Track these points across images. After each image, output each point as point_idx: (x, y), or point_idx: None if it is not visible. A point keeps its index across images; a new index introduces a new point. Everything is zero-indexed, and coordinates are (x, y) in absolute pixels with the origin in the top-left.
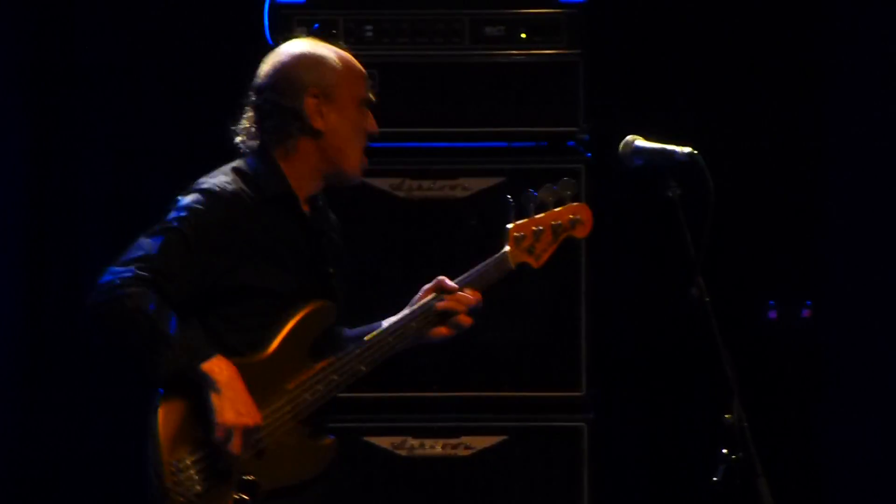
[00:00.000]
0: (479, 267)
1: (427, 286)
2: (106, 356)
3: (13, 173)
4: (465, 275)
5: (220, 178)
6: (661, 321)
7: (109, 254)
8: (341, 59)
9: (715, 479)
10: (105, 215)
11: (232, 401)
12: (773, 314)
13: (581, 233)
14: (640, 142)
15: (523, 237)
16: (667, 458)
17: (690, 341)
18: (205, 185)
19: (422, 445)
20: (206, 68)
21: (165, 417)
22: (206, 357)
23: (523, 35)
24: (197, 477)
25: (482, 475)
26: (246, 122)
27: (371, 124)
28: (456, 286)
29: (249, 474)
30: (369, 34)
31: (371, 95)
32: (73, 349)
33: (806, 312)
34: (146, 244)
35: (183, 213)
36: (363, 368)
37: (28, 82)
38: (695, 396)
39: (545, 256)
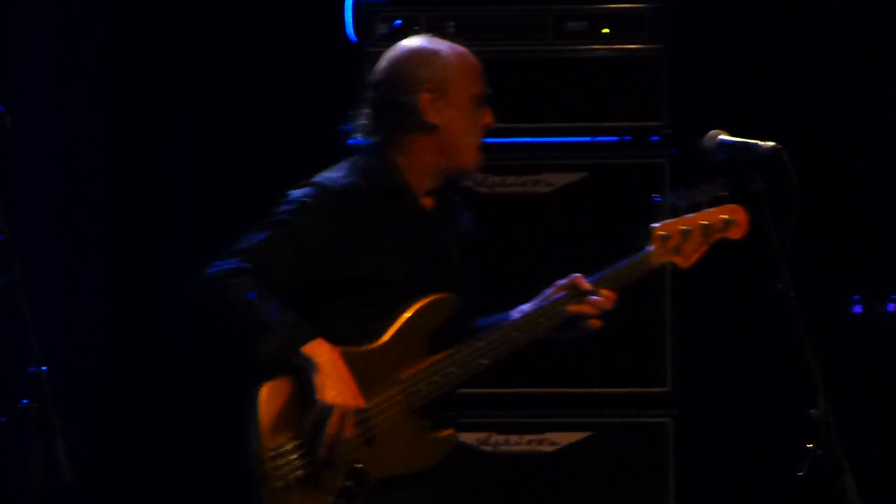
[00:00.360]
0: (616, 265)
1: (561, 282)
2: (195, 355)
3: (102, 173)
4: (602, 273)
5: (333, 173)
6: (746, 316)
7: (196, 252)
8: (457, 54)
9: (800, 474)
10: (192, 215)
11: (333, 380)
12: (858, 308)
13: (736, 234)
14: (724, 136)
15: (669, 237)
16: (752, 453)
17: (775, 336)
18: (316, 179)
19: (507, 441)
20: (290, 68)
21: (267, 402)
22: (307, 340)
23: (606, 30)
24: (298, 462)
25: (567, 471)
26: (363, 118)
27: (488, 119)
28: (590, 287)
29: (359, 462)
30: (451, 30)
31: (488, 90)
32: (161, 345)
33: (892, 307)
34: (253, 237)
35: (292, 207)
36: (485, 362)
37: (114, 81)
38: (780, 391)
39: (695, 256)
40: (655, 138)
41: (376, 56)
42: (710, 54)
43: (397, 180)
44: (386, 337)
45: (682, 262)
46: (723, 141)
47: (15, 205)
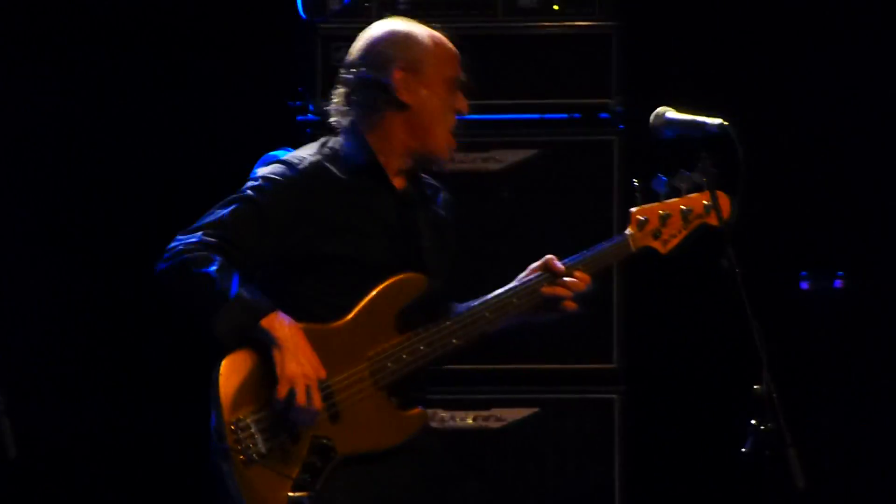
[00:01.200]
0: (594, 248)
1: (535, 264)
2: (143, 328)
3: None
4: (578, 256)
5: (302, 151)
6: (693, 292)
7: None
8: (432, 37)
9: (744, 449)
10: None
11: (293, 353)
12: (804, 285)
13: (715, 220)
14: (672, 113)
15: (647, 221)
16: (697, 429)
17: (721, 312)
18: (284, 157)
19: (453, 418)
20: (240, 44)
21: (227, 377)
22: (265, 313)
23: (556, 7)
24: (259, 437)
25: (513, 447)
26: (337, 98)
27: (461, 104)
28: (564, 269)
29: (323, 438)
30: (402, 7)
31: (462, 76)
32: (108, 320)
33: (839, 283)
34: (217, 212)
35: (257, 182)
36: (455, 341)
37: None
38: (725, 367)
39: (673, 242)
40: (605, 115)
41: (327, 33)
42: (661, 31)
43: (368, 159)
44: (351, 314)
45: (661, 247)
46: (670, 118)
47: None
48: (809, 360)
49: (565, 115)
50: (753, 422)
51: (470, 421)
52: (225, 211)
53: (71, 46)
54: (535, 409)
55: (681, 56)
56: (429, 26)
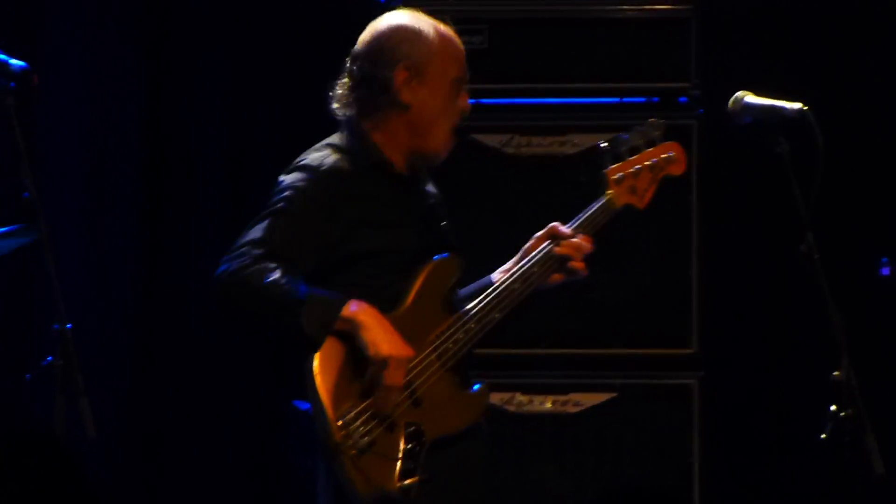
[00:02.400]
0: (586, 211)
1: (539, 234)
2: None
3: (132, 132)
4: (575, 220)
5: (317, 154)
6: (772, 278)
7: (223, 212)
8: (440, 35)
9: (823, 436)
10: (221, 177)
11: (383, 333)
12: (885, 271)
13: (677, 170)
14: (750, 98)
15: (623, 178)
16: (776, 415)
17: (800, 298)
18: (304, 162)
19: (531, 402)
20: (318, 28)
21: (322, 374)
22: (343, 303)
23: None
24: (363, 428)
25: (591, 433)
26: (340, 88)
27: (464, 104)
28: (570, 232)
29: (413, 424)
30: None
31: (467, 75)
32: (185, 305)
33: (886, 270)
34: (256, 229)
35: (287, 193)
36: (497, 315)
37: (143, 38)
38: (804, 354)
39: (647, 196)
40: (684, 99)
41: None
42: (740, 15)
43: (375, 156)
44: (409, 301)
45: (638, 201)
46: (749, 103)
47: (44, 163)
48: (889, 347)
49: (643, 99)
50: (832, 408)
51: (548, 405)
52: (262, 226)
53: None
54: (614, 395)
55: (760, 40)
56: (439, 21)
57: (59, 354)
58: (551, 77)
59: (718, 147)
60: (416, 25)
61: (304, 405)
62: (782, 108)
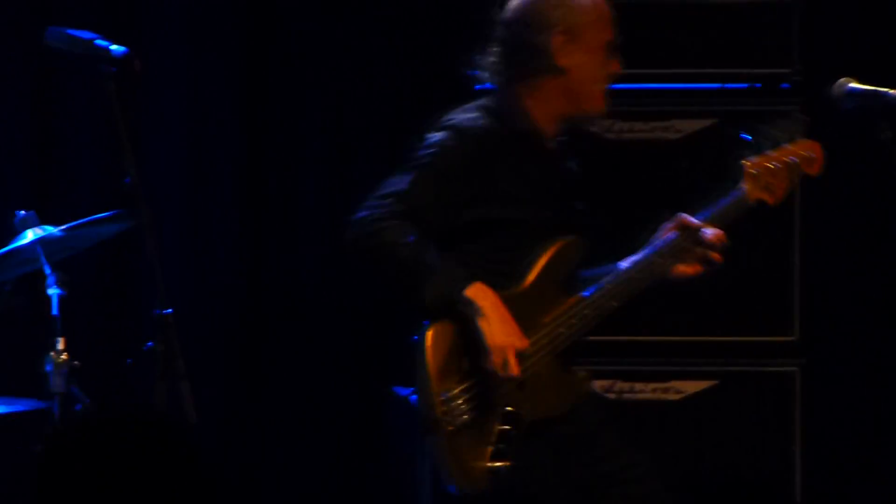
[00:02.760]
0: (717, 204)
1: (668, 224)
2: (322, 301)
3: (233, 117)
4: (705, 213)
5: (467, 115)
6: (875, 265)
7: (326, 196)
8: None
9: None
10: (323, 157)
11: (499, 323)
12: None
13: (813, 170)
14: (853, 84)
15: (759, 174)
16: (879, 403)
17: None
18: (453, 122)
19: (631, 389)
20: (417, 12)
21: (433, 348)
22: (468, 283)
23: None
24: (465, 406)
25: (691, 419)
26: (492, 57)
27: (615, 66)
28: (699, 223)
29: (511, 406)
30: None
31: (617, 37)
32: (288, 290)
33: None
34: (399, 180)
35: (433, 150)
36: (614, 304)
37: (244, 25)
38: None
39: (781, 193)
40: (786, 85)
41: None
42: (843, 1)
43: (526, 124)
44: (529, 279)
45: (771, 198)
46: (852, 89)
47: (147, 148)
48: None
49: (746, 85)
50: None
51: (649, 392)
52: (407, 179)
53: None
54: (715, 382)
55: (862, 26)
56: None
57: (159, 339)
58: (653, 62)
59: (820, 133)
60: None
61: (404, 391)
62: (885, 94)
